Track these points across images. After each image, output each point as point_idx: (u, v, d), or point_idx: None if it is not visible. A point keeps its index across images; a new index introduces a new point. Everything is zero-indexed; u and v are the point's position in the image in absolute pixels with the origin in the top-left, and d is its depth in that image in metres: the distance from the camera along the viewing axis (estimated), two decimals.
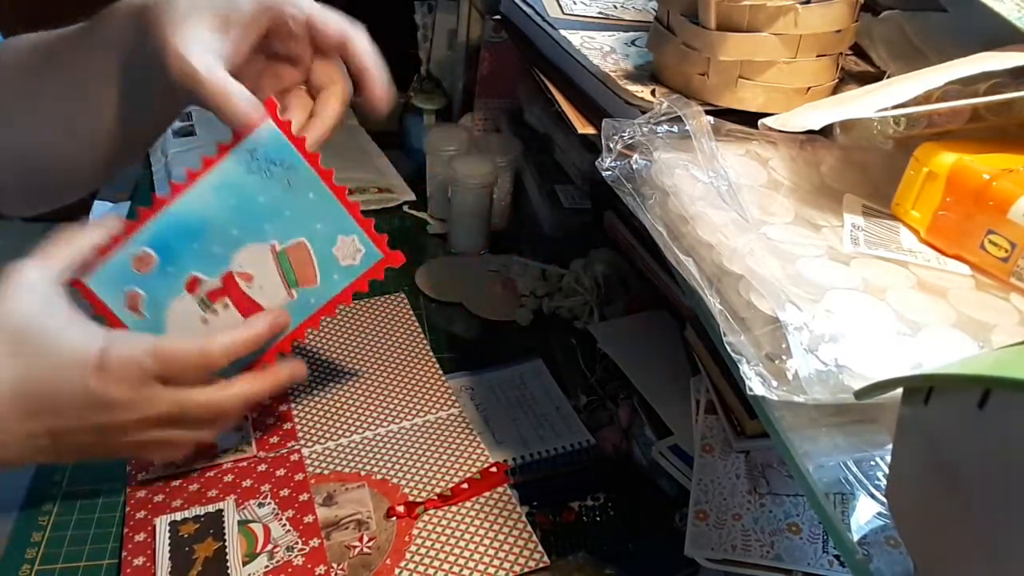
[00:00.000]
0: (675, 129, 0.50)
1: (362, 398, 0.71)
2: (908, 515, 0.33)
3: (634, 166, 0.49)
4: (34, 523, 0.59)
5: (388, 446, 0.66)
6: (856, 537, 0.47)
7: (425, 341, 0.78)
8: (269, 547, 0.56)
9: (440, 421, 0.68)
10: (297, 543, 0.57)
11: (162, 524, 0.58)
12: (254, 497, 0.60)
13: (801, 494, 0.60)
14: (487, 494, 0.61)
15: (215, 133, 1.08)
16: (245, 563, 0.55)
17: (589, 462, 0.67)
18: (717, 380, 0.64)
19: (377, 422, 0.68)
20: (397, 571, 0.55)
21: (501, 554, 0.57)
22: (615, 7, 0.74)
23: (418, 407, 0.70)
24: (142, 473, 0.62)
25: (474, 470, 0.63)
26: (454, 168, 0.89)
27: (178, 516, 0.58)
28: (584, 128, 0.58)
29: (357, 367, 0.74)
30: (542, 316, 0.85)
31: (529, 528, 0.59)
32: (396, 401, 0.71)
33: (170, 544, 0.56)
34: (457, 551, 0.57)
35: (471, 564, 0.56)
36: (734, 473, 0.61)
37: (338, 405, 0.70)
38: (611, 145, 0.50)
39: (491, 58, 1.02)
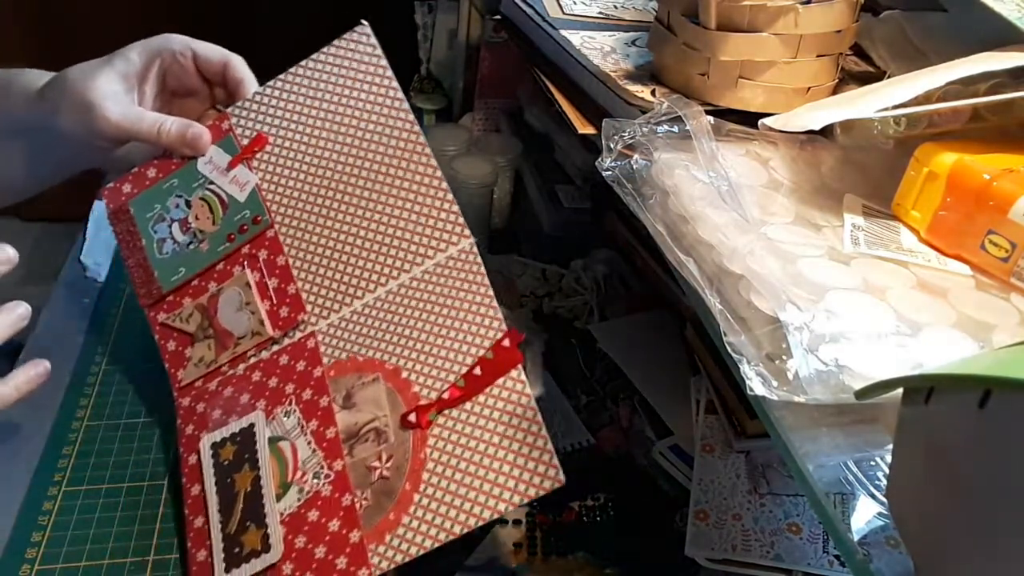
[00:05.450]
0: (675, 129, 0.50)
1: (359, 235, 0.63)
2: (908, 515, 0.33)
3: (634, 166, 0.49)
4: (34, 523, 0.59)
5: (395, 312, 0.60)
6: (856, 537, 0.47)
7: (418, 132, 0.63)
8: (298, 475, 0.56)
9: (450, 262, 0.60)
10: (323, 467, 0.56)
11: (205, 447, 0.58)
12: (280, 403, 0.59)
13: (801, 494, 0.60)
14: (500, 383, 0.56)
15: None
16: (279, 496, 0.55)
17: (589, 462, 0.67)
18: (717, 380, 0.64)
19: (382, 273, 0.61)
20: (416, 497, 0.53)
21: (516, 471, 0.52)
22: (615, 7, 0.74)
23: (424, 245, 0.61)
24: (180, 371, 0.62)
25: (487, 343, 0.57)
26: (454, 168, 0.89)
27: (217, 436, 0.59)
28: (584, 128, 0.58)
29: (343, 179, 0.64)
30: (542, 316, 0.85)
31: (544, 435, 0.53)
32: (400, 239, 0.62)
33: (215, 473, 0.57)
34: (472, 470, 0.53)
35: (485, 485, 0.52)
36: (734, 473, 0.61)
37: (335, 252, 0.63)
38: (611, 145, 0.50)
39: (491, 58, 1.02)
